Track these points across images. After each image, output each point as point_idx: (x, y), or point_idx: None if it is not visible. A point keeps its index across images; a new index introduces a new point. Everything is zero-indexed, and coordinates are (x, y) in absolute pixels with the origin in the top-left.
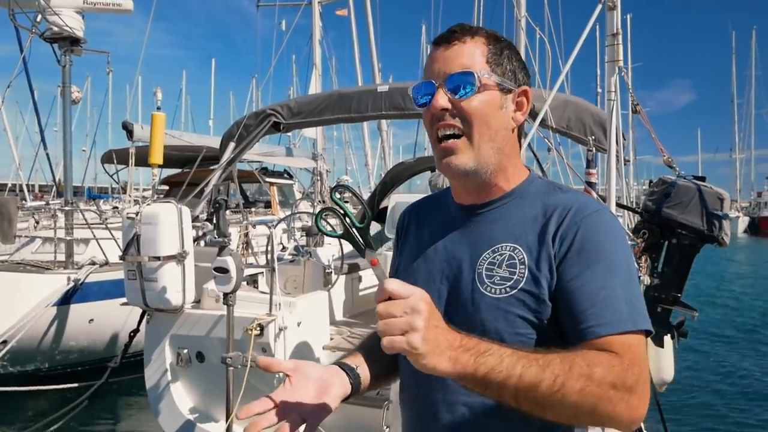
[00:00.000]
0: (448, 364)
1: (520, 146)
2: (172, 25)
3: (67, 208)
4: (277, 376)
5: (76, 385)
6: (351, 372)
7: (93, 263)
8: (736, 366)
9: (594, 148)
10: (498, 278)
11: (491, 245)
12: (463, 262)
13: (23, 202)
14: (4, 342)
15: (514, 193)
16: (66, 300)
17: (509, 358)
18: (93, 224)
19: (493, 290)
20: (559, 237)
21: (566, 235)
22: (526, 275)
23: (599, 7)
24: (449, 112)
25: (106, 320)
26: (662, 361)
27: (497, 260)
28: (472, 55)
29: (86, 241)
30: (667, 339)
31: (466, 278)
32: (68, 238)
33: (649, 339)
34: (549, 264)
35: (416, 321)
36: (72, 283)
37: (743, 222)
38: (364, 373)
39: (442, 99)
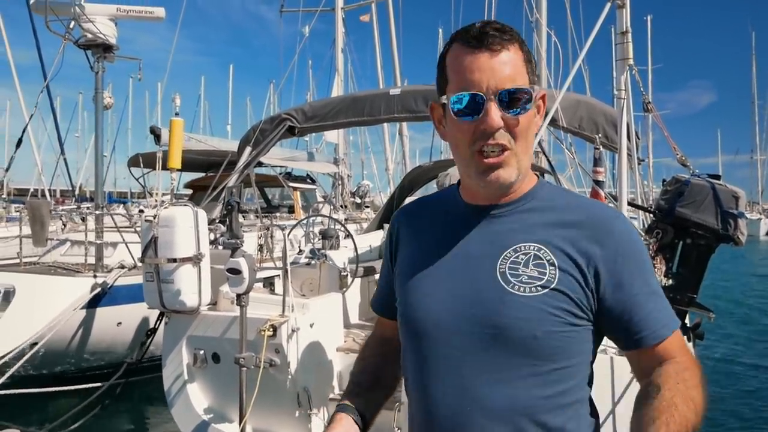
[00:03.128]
0: None
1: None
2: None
3: (98, 212)
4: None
5: (98, 384)
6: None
7: (122, 266)
8: (755, 370)
9: (601, 147)
10: (526, 277)
11: (512, 245)
12: (482, 260)
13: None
14: (35, 344)
15: (529, 195)
16: (95, 303)
17: None
18: (121, 228)
19: (522, 289)
20: (594, 244)
21: (602, 243)
22: (557, 275)
23: (608, 5)
24: (510, 129)
25: (133, 323)
26: None
27: (521, 259)
28: (518, 66)
29: (114, 245)
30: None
31: (487, 277)
32: (98, 241)
33: None
34: (584, 269)
35: None
36: (101, 287)
37: (765, 224)
38: (370, 413)
39: (497, 116)
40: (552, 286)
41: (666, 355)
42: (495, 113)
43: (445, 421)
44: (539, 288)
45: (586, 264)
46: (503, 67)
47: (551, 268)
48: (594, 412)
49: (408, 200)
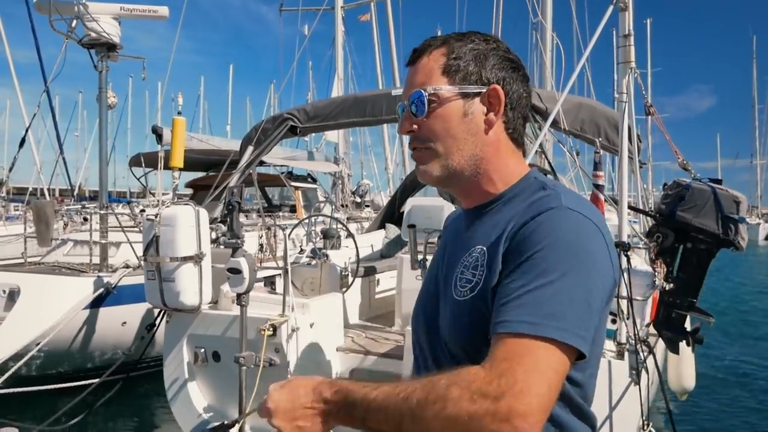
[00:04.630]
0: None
1: (520, 145)
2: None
3: (102, 212)
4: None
5: (94, 380)
6: None
7: (126, 266)
8: (755, 375)
9: (602, 149)
10: (465, 280)
11: (468, 248)
12: (451, 266)
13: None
14: (40, 343)
15: (505, 195)
16: (99, 302)
17: (366, 389)
18: (125, 227)
19: (458, 293)
20: (508, 237)
21: (515, 235)
22: (484, 276)
23: (611, 8)
24: (415, 132)
25: (138, 323)
26: (683, 369)
27: (469, 262)
28: (428, 71)
29: (117, 245)
30: (685, 346)
31: (448, 283)
32: (103, 241)
33: (664, 346)
34: (497, 264)
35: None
36: (105, 286)
37: (764, 229)
38: None
39: (407, 121)
40: (477, 289)
41: (492, 352)
42: (406, 118)
43: None
44: (468, 291)
45: (499, 251)
46: (415, 76)
47: (481, 269)
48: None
49: (410, 201)
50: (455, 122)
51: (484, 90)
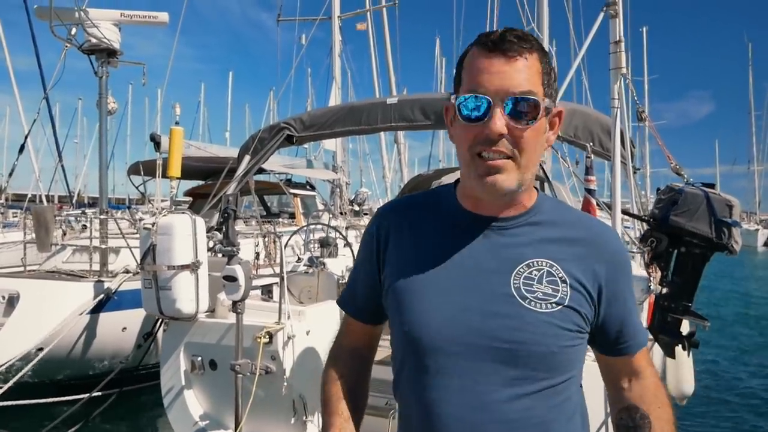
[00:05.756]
0: None
1: None
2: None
3: (102, 217)
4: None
5: (86, 396)
6: None
7: (126, 271)
8: (750, 380)
9: (592, 155)
10: (541, 294)
11: (524, 260)
12: (493, 274)
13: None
14: (40, 349)
15: (534, 210)
16: (99, 308)
17: None
18: (126, 233)
19: (538, 305)
20: (599, 262)
21: (605, 260)
22: (569, 293)
23: (601, 15)
24: (503, 137)
25: (138, 328)
26: (682, 374)
27: (534, 275)
28: (533, 75)
29: (117, 250)
30: (681, 351)
31: (500, 291)
32: (103, 246)
33: (660, 350)
34: (590, 288)
35: None
36: (105, 292)
37: (763, 235)
38: None
39: (500, 122)
40: (565, 303)
41: (639, 364)
42: (499, 119)
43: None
44: (554, 305)
45: (593, 281)
46: (516, 74)
47: (563, 285)
48: (585, 413)
49: None
50: (541, 137)
51: (553, 109)
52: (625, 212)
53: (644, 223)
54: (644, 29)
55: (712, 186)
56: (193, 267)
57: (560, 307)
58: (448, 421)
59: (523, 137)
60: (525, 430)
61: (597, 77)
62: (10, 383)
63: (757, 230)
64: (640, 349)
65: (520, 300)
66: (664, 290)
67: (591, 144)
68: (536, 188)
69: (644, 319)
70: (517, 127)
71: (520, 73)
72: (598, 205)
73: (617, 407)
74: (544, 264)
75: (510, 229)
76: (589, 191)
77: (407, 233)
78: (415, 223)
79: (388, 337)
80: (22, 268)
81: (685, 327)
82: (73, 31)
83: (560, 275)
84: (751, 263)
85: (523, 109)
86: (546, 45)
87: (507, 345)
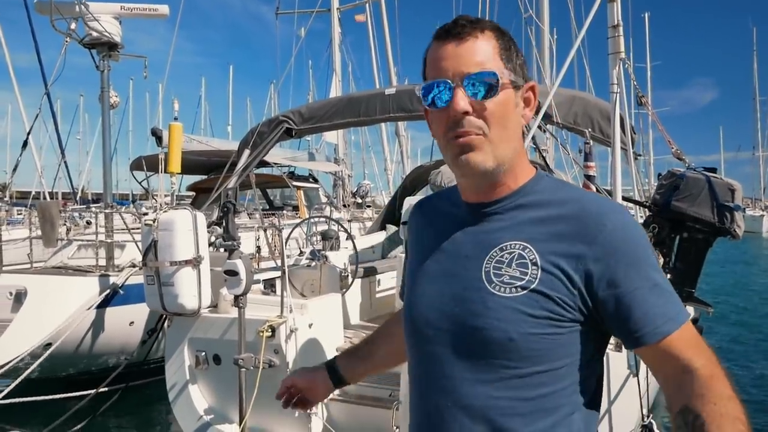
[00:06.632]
0: None
1: (524, 142)
2: (192, 32)
3: (107, 211)
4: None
5: (93, 391)
6: (334, 374)
7: (133, 265)
8: (757, 365)
9: (591, 140)
10: (507, 277)
11: (499, 243)
12: (469, 260)
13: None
14: (48, 345)
15: (521, 191)
16: (106, 303)
17: None
18: (131, 228)
19: (502, 289)
20: (582, 242)
21: (593, 240)
22: (539, 275)
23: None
24: (469, 114)
25: (145, 322)
26: None
27: (505, 259)
28: (487, 51)
29: (122, 245)
30: None
31: (473, 277)
32: (109, 240)
33: None
34: (570, 270)
35: None
36: (112, 287)
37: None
38: (347, 372)
39: (463, 101)
40: (532, 287)
41: (674, 353)
42: (461, 99)
43: (430, 418)
44: (519, 289)
45: (575, 263)
46: (470, 53)
47: (533, 268)
48: (591, 418)
49: (407, 200)
50: (510, 111)
51: (524, 85)
52: (626, 199)
53: (646, 210)
54: (646, 15)
55: (713, 170)
56: (195, 262)
57: (525, 291)
58: (424, 401)
59: (488, 110)
60: (489, 418)
61: (600, 66)
62: (18, 380)
63: (762, 216)
64: (660, 337)
65: (486, 284)
66: (667, 276)
67: (590, 130)
68: (537, 168)
69: None
70: (480, 102)
71: (473, 53)
72: (597, 191)
73: (672, 411)
74: (517, 246)
75: (495, 213)
76: (589, 177)
77: (422, 227)
78: (431, 217)
79: None
80: (28, 265)
81: (690, 313)
82: (74, 25)
83: (531, 257)
84: (757, 249)
85: (482, 84)
86: (546, 34)
87: (469, 330)
